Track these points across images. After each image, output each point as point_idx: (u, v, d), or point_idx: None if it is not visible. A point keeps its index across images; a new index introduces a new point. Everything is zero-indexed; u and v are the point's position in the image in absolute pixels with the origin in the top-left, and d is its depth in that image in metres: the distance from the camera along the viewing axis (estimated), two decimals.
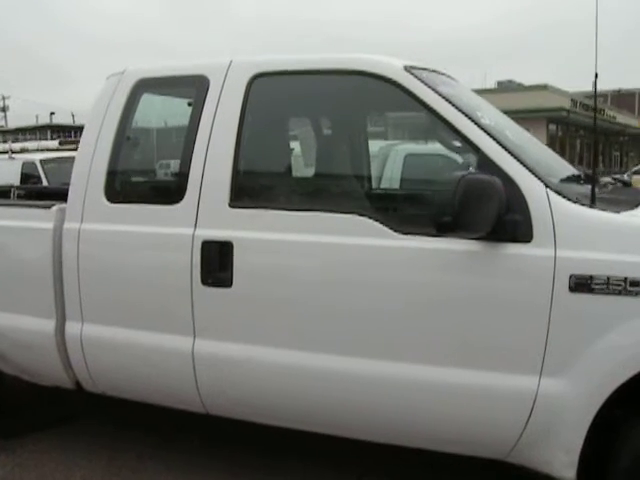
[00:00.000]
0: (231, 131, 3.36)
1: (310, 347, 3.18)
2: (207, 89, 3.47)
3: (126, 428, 4.68)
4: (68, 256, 3.68)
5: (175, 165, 3.57)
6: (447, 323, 2.95)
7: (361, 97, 3.55)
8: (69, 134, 52.49)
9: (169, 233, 3.43)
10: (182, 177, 3.46)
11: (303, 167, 4.05)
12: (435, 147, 9.54)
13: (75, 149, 15.19)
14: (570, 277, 2.74)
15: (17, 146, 16.23)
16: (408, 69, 3.19)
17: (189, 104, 3.56)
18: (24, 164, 14.24)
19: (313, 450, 4.17)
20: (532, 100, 36.31)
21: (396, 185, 6.93)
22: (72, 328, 3.75)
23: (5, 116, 64.29)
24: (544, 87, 38.87)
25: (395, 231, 3.03)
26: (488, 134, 2.99)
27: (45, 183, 13.04)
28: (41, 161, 14.12)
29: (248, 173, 3.54)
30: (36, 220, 3.80)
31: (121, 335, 3.59)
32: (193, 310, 3.36)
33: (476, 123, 3.02)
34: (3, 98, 66.67)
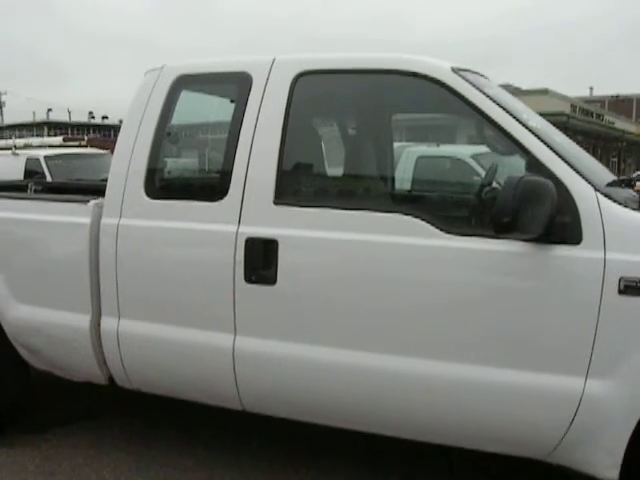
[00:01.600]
0: (276, 129, 3.37)
1: (354, 345, 3.19)
2: (250, 86, 3.48)
3: (154, 423, 4.69)
4: (105, 251, 3.68)
5: (218, 161, 3.57)
6: (495, 324, 2.97)
7: (407, 98, 3.55)
8: (66, 131, 52.49)
9: (211, 230, 3.44)
10: (225, 174, 3.46)
11: (347, 166, 4.04)
12: (446, 150, 9.63)
13: (79, 146, 15.25)
14: (620, 280, 2.75)
15: (21, 142, 16.16)
16: (455, 70, 3.21)
17: (232, 101, 3.57)
18: (28, 160, 14.20)
19: (348, 448, 4.19)
20: (532, 104, 36.26)
21: (436, 185, 6.94)
22: (108, 324, 3.75)
23: (1, 112, 64.01)
24: (545, 92, 38.92)
25: (442, 231, 3.05)
26: (537, 136, 3.01)
27: (49, 179, 12.99)
28: (45, 157, 14.10)
29: (293, 171, 3.55)
30: (73, 215, 3.80)
31: (159, 331, 3.59)
32: (235, 307, 3.37)
33: (525, 125, 3.04)
34: None
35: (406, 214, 3.11)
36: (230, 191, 3.41)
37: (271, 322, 3.34)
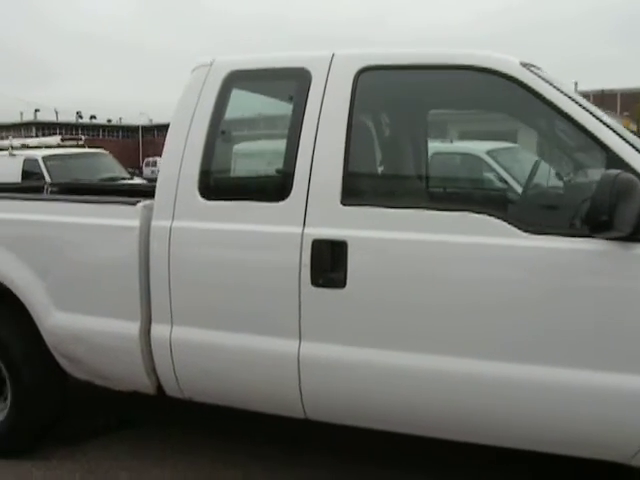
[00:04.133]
0: (340, 126, 3.23)
1: (429, 350, 3.07)
2: (309, 83, 3.33)
3: (193, 431, 4.54)
4: (157, 255, 3.51)
5: (278, 160, 3.41)
6: (580, 324, 2.86)
7: (476, 94, 3.41)
8: (54, 131, 52.10)
9: (274, 232, 3.29)
10: (287, 173, 3.31)
11: (415, 164, 3.91)
12: (460, 146, 9.49)
13: (77, 146, 15.00)
14: None
15: (17, 142, 15.90)
16: (525, 65, 3.09)
17: (290, 98, 3.42)
18: (25, 161, 13.99)
19: (415, 455, 4.06)
20: None
21: (501, 183, 6.83)
22: (159, 331, 3.58)
23: None
24: None
25: (520, 229, 2.93)
26: (614, 132, 2.91)
27: (48, 180, 12.72)
28: (43, 158, 13.89)
29: (360, 169, 3.42)
30: (120, 217, 3.63)
31: (217, 338, 3.43)
32: (300, 312, 3.22)
33: (601, 121, 2.94)
34: None
35: (484, 213, 2.99)
36: (293, 191, 3.26)
37: (340, 327, 3.20)
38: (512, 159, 8.28)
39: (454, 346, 3.02)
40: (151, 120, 76.56)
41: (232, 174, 4.02)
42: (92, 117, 75.65)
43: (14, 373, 4.00)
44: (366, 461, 4.04)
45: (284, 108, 3.44)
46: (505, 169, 8.28)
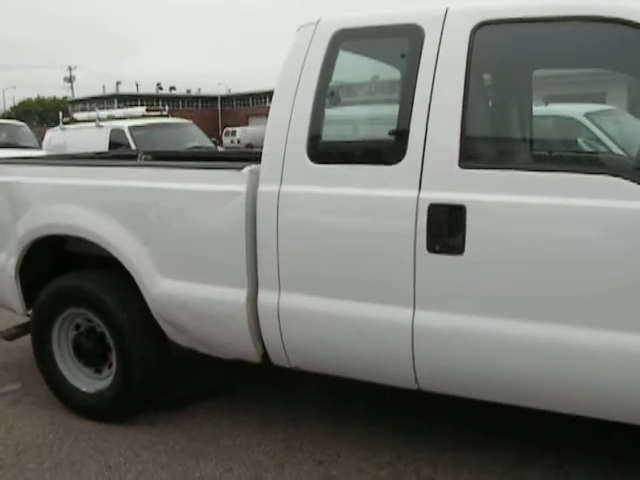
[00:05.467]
0: (457, 85, 3.06)
1: (556, 320, 2.90)
2: (422, 40, 3.16)
3: (294, 399, 4.50)
4: (265, 221, 3.43)
5: (391, 121, 3.27)
6: None
7: (607, 49, 3.16)
8: (135, 103, 53.05)
9: (387, 196, 3.16)
10: (401, 135, 3.16)
11: (538, 124, 3.72)
12: (556, 108, 9.13)
13: (161, 116, 15.12)
14: None
15: (104, 114, 16.15)
16: None
17: (402, 56, 3.26)
18: (112, 132, 14.21)
19: (507, 426, 3.92)
20: None
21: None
22: (266, 298, 3.51)
23: (72, 86, 65.02)
24: None
25: None
26: None
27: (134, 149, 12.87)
28: (130, 128, 14.05)
29: (479, 130, 3.25)
30: (225, 183, 3.55)
31: (326, 306, 3.35)
32: (415, 279, 3.10)
33: None
34: (70, 69, 67.48)
35: (615, 175, 2.78)
36: (408, 153, 3.12)
37: (456, 295, 3.07)
38: (612, 122, 7.91)
39: (582, 316, 2.85)
40: (229, 90, 77.16)
41: (342, 136, 3.90)
42: (172, 88, 76.74)
43: (119, 340, 4.02)
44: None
45: (395, 67, 3.29)
46: (605, 132, 7.92)
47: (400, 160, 3.14)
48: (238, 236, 3.48)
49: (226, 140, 46.56)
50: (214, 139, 20.82)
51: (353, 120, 4.19)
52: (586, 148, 5.36)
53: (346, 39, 3.41)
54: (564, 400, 3.04)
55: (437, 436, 3.89)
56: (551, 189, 2.87)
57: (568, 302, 2.87)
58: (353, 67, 3.82)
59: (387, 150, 3.30)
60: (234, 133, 49.71)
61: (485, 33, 3.07)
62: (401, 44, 3.28)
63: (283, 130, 3.41)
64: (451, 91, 3.06)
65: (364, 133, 3.96)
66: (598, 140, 7.65)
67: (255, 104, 71.70)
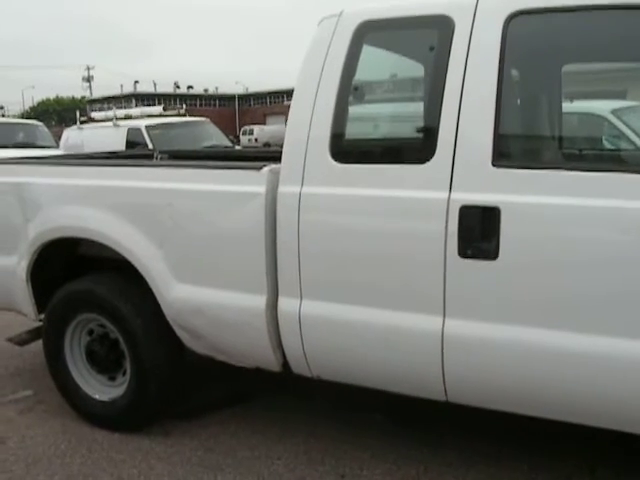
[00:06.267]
0: (489, 80, 2.87)
1: (596, 329, 2.71)
2: (452, 31, 2.97)
3: (312, 407, 4.32)
4: (285, 223, 3.26)
5: (419, 118, 3.09)
6: None
7: None
8: (153, 102, 53.19)
9: (416, 197, 2.98)
10: (430, 133, 2.98)
11: (576, 121, 3.52)
12: (582, 105, 8.88)
13: (178, 115, 15.08)
14: None
15: (121, 113, 16.09)
16: None
17: (431, 49, 3.07)
18: (129, 131, 14.17)
19: (539, 439, 3.73)
20: None
21: None
22: (287, 305, 3.34)
23: (90, 86, 65.29)
24: None
25: None
26: None
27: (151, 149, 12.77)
28: (146, 127, 14.01)
29: (513, 128, 3.07)
30: (244, 183, 3.38)
31: (351, 314, 3.17)
32: (445, 285, 2.92)
33: None
34: (88, 68, 67.76)
35: None
36: (437, 152, 2.93)
37: (490, 302, 2.88)
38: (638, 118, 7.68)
39: (630, 326, 2.65)
40: (247, 89, 77.04)
41: (367, 134, 3.71)
42: (189, 87, 76.77)
43: (133, 347, 3.86)
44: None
45: (422, 60, 3.10)
46: (633, 129, 7.68)
47: (429, 159, 2.95)
48: (257, 239, 3.31)
49: (243, 139, 46.49)
50: (231, 137, 20.72)
51: (378, 117, 4.01)
52: (622, 145, 5.15)
53: (371, 31, 3.23)
54: (612, 415, 2.84)
55: (465, 449, 3.70)
56: (588, 189, 2.68)
57: (612, 311, 2.68)
58: (378, 61, 3.63)
59: (415, 148, 3.13)
60: (251, 132, 49.60)
61: (519, 23, 2.88)
62: (430, 36, 3.11)
63: (304, 128, 3.24)
64: (484, 85, 2.87)
65: (390, 131, 3.77)
66: (627, 138, 7.42)
67: (272, 103, 71.62)
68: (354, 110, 3.31)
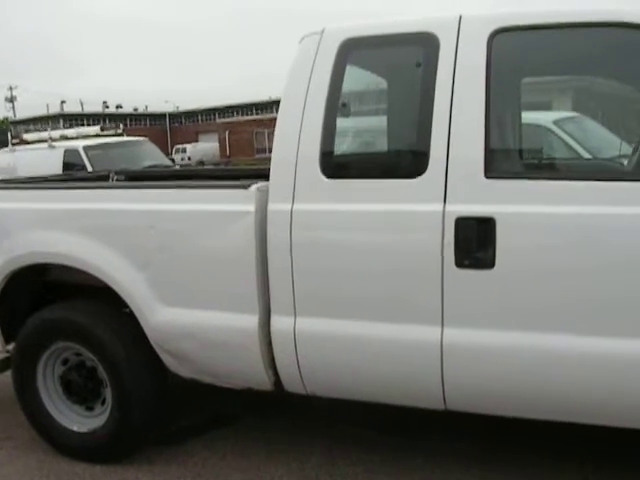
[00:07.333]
0: (478, 94, 2.94)
1: (593, 332, 2.79)
2: (437, 48, 3.03)
3: (295, 425, 4.29)
4: (276, 241, 3.24)
5: (410, 132, 3.13)
6: None
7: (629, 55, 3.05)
8: (81, 122, 52.22)
9: (410, 210, 3.02)
10: (422, 146, 3.03)
11: (567, 130, 3.61)
12: (527, 116, 9.11)
13: (115, 134, 14.75)
14: None
15: (56, 134, 15.71)
16: None
17: (417, 65, 3.12)
18: (66, 152, 13.74)
19: (530, 441, 3.79)
20: None
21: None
22: (280, 323, 3.32)
23: (13, 107, 63.60)
24: None
25: None
26: None
27: (90, 171, 12.47)
28: (84, 148, 13.64)
29: (503, 139, 3.14)
30: (231, 202, 3.36)
31: (348, 329, 3.18)
32: (443, 296, 2.96)
33: None
34: (10, 88, 66.06)
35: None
36: (430, 165, 2.98)
37: (487, 311, 2.94)
38: (578, 129, 7.93)
39: (627, 328, 2.74)
40: (177, 107, 76.40)
41: (357, 150, 3.74)
42: (118, 106, 75.55)
43: (114, 375, 3.76)
44: None
45: (409, 77, 3.16)
46: (576, 140, 7.92)
47: (422, 173, 3.00)
48: (247, 258, 3.29)
49: (177, 157, 46.01)
50: (171, 157, 20.51)
51: (368, 133, 4.04)
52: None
53: (354, 49, 3.27)
54: (611, 414, 2.93)
55: (459, 457, 3.74)
56: (579, 197, 2.78)
57: (608, 315, 2.77)
58: (364, 78, 3.66)
59: (408, 163, 3.18)
60: (184, 150, 49.23)
61: (502, 40, 2.97)
62: (415, 53, 3.17)
63: (293, 145, 3.24)
64: (473, 101, 2.95)
65: (382, 146, 3.78)
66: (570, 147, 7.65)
67: (204, 121, 71.20)
68: (343, 126, 3.34)
